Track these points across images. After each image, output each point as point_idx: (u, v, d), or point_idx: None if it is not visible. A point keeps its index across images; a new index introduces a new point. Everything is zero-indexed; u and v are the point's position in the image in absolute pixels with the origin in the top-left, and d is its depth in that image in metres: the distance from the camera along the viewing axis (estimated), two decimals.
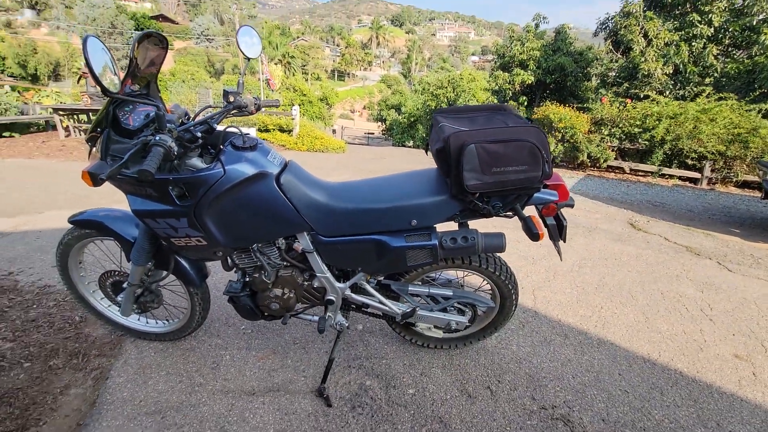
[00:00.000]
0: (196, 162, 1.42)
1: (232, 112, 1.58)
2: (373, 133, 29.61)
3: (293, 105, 12.49)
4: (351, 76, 69.12)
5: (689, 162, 7.64)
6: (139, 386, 1.77)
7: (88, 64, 1.10)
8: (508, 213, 1.50)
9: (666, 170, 7.85)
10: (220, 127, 1.52)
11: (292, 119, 10.27)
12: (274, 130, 10.28)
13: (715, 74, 10.29)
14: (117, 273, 1.88)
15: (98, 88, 1.22)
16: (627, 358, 2.13)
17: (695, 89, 10.15)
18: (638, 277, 3.12)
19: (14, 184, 4.97)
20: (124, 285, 1.79)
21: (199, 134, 1.37)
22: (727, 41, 10.45)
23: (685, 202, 6.14)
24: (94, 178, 1.35)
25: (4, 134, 8.14)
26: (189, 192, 1.40)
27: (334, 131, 21.95)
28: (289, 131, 10.35)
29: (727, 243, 4.13)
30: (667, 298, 2.81)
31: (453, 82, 20.14)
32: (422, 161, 8.80)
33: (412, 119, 20.77)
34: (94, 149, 1.46)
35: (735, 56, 10.68)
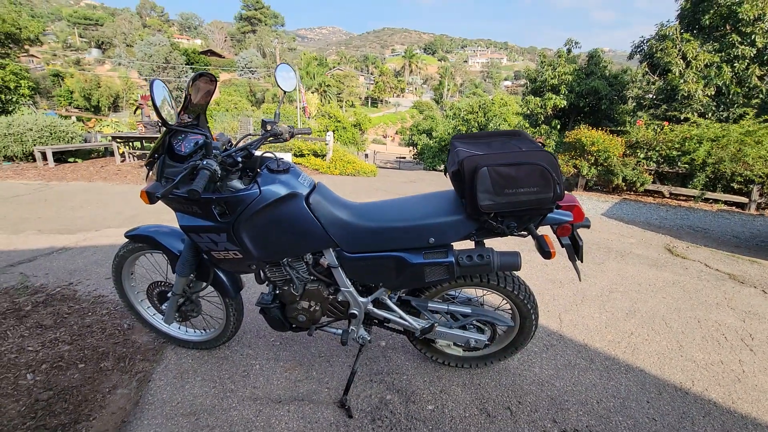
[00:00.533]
0: (236, 183, 1.59)
1: (269, 139, 1.77)
2: (404, 158, 30.09)
3: (328, 131, 13.03)
4: (384, 102, 70.91)
5: (735, 186, 7.25)
6: (177, 389, 1.92)
7: (153, 103, 1.32)
8: (522, 232, 1.56)
9: (709, 194, 7.48)
10: (257, 153, 1.70)
11: (326, 144, 10.70)
12: (308, 154, 10.74)
13: (761, 95, 9.82)
14: (163, 283, 2.08)
15: (153, 118, 1.44)
16: (657, 386, 2.06)
17: (739, 110, 9.71)
18: (674, 304, 3.00)
19: (77, 205, 5.49)
20: (169, 294, 1.99)
21: (239, 159, 1.56)
22: None
23: (730, 228, 5.82)
24: (150, 196, 1.56)
25: (69, 160, 9.01)
26: (229, 210, 1.57)
27: (366, 156, 22.48)
28: (323, 156, 10.77)
29: None
30: (705, 326, 2.69)
31: (484, 107, 20.34)
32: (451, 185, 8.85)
33: (443, 143, 20.99)
34: (151, 172, 1.68)
35: None
